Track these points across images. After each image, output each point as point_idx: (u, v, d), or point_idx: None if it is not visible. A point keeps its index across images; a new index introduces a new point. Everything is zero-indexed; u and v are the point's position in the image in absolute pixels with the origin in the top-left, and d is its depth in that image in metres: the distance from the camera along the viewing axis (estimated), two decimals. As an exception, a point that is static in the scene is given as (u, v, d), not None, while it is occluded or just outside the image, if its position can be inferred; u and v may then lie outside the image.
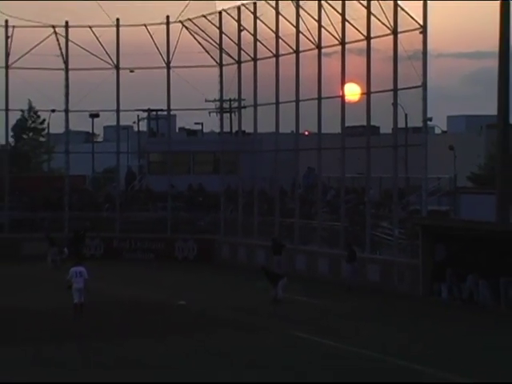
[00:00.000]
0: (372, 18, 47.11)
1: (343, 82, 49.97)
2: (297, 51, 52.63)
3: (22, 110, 77.70)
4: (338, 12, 49.01)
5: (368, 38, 47.71)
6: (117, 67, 60.46)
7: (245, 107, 59.12)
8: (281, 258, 47.65)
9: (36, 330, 33.14)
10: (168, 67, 60.21)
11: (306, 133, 55.71)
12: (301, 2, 51.29)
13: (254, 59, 56.37)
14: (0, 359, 28.14)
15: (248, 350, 29.89)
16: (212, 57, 60.19)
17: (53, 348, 29.78)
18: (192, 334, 32.66)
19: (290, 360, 28.30)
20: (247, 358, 28.68)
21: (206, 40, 59.58)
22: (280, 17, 53.24)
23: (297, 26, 52.12)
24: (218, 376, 25.93)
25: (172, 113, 66.62)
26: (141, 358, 28.47)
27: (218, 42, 58.99)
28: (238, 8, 55.95)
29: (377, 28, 47.05)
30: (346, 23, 48.86)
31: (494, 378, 25.85)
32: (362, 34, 48.06)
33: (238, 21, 56.39)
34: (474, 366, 27.46)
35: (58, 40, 60.22)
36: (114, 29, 59.74)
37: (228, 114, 65.78)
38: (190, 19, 58.63)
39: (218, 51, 59.58)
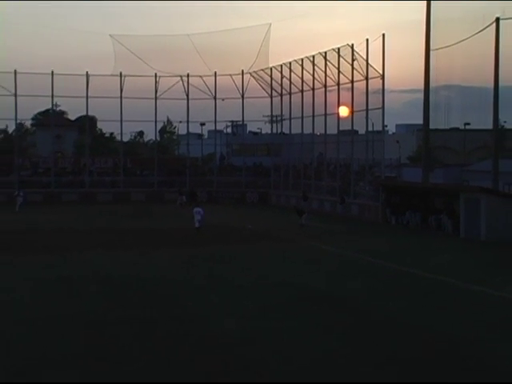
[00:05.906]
0: (354, 70, 46.62)
1: (339, 106, 49.49)
2: (313, 89, 52.19)
3: (164, 121, 77.92)
4: (335, 67, 48.66)
5: (352, 81, 47.24)
6: (214, 98, 60.30)
7: (285, 119, 58.81)
8: (305, 202, 47.62)
9: (171, 240, 33.33)
10: (242, 98, 60.00)
11: (318, 133, 55.38)
12: (315, 61, 50.83)
13: (290, 93, 56.10)
14: (156, 256, 28.18)
15: (283, 251, 29.81)
16: (266, 92, 59.98)
17: (182, 249, 29.87)
18: (253, 243, 32.44)
19: (306, 256, 28.25)
20: (282, 255, 28.57)
21: (263, 82, 59.49)
22: (303, 70, 52.84)
23: (313, 75, 51.66)
24: (260, 263, 25.84)
25: (245, 122, 66.65)
26: (224, 253, 28.53)
27: (269, 83, 58.72)
28: (281, 65, 55.75)
29: (357, 76, 46.55)
30: (340, 73, 48.40)
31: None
32: (348, 79, 47.62)
33: (281, 72, 56.11)
34: (404, 257, 27.00)
35: (183, 83, 60.22)
36: (213, 77, 59.62)
37: (275, 124, 65.62)
38: (254, 71, 58.54)
39: (270, 89, 59.34)
